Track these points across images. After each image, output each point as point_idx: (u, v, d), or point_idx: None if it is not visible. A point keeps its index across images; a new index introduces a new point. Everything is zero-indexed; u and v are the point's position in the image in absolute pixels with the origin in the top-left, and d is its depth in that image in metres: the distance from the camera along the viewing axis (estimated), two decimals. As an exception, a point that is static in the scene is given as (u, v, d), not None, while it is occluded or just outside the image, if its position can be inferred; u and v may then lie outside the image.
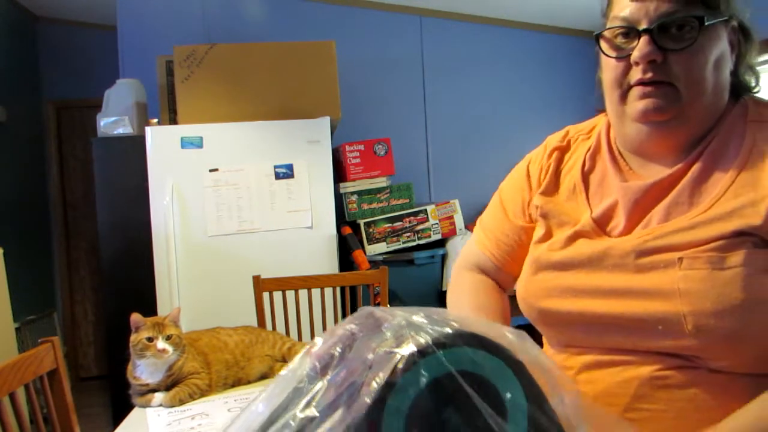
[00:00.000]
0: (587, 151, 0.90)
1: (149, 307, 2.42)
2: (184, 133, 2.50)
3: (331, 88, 2.67)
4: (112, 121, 2.70)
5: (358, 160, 2.90)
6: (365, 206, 2.90)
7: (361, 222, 2.84)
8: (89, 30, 4.27)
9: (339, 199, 2.81)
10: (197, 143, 2.51)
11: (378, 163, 2.94)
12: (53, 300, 4.32)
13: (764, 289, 0.68)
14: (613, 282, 0.77)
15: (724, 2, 0.76)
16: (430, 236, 2.92)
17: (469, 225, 3.16)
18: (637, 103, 0.77)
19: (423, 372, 0.55)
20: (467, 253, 1.06)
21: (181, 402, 1.34)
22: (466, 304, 0.98)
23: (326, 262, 2.55)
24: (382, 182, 2.95)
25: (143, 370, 1.36)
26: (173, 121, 2.72)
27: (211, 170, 2.51)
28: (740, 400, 0.68)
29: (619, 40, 0.78)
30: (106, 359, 4.04)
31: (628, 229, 0.80)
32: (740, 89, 0.81)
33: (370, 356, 0.57)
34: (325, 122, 2.59)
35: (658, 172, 0.80)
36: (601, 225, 0.83)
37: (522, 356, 0.59)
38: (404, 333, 0.57)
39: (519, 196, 0.97)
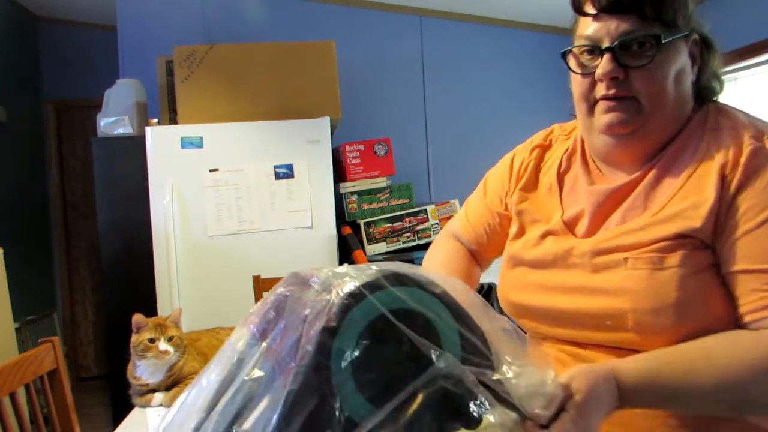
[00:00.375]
0: (564, 152, 0.96)
1: (149, 307, 2.42)
2: (184, 133, 2.50)
3: (331, 88, 2.67)
4: (112, 121, 2.70)
5: (358, 160, 2.90)
6: (365, 206, 2.90)
7: (361, 222, 2.84)
8: (89, 30, 4.27)
9: (339, 199, 2.81)
10: (197, 143, 2.50)
11: (378, 163, 2.94)
12: (53, 300, 4.31)
13: (697, 289, 0.73)
14: (574, 280, 0.83)
15: (681, 19, 0.79)
16: (430, 236, 2.92)
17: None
18: (602, 117, 0.82)
19: (357, 314, 0.58)
20: (452, 225, 1.14)
21: (181, 402, 1.34)
22: (437, 262, 1.06)
23: (326, 262, 2.55)
24: (382, 182, 2.95)
25: (143, 371, 1.36)
26: (173, 121, 2.72)
27: (211, 170, 2.51)
28: None
29: (585, 57, 0.83)
30: (106, 359, 4.04)
31: (591, 231, 0.85)
32: (705, 96, 0.85)
33: (306, 311, 0.59)
34: (325, 122, 2.59)
35: (621, 177, 0.85)
36: (570, 225, 0.88)
37: (446, 287, 0.64)
38: (332, 282, 0.60)
39: (500, 184, 1.03)
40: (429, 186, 3.53)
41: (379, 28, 3.49)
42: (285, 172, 2.56)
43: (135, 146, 2.57)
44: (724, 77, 0.87)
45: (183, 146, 2.50)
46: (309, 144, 2.57)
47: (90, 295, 4.44)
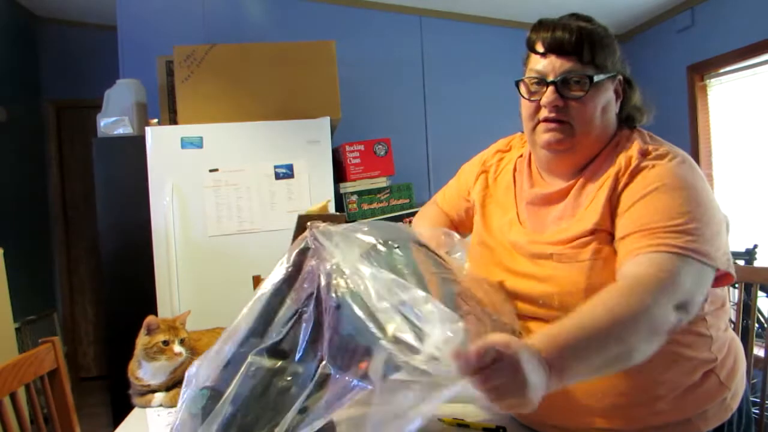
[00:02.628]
0: (519, 156, 1.19)
1: (149, 307, 2.42)
2: (184, 133, 2.50)
3: (331, 88, 2.67)
4: (112, 121, 2.70)
5: (358, 160, 2.90)
6: (365, 206, 2.90)
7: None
8: (89, 30, 4.27)
9: (339, 199, 2.81)
10: (197, 143, 2.51)
11: (378, 163, 2.94)
12: (53, 300, 4.32)
13: (605, 274, 0.93)
14: (520, 266, 1.05)
15: (610, 64, 1.01)
16: (430, 236, 2.92)
17: (469, 225, 3.16)
18: (543, 135, 1.03)
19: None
20: (436, 197, 1.42)
21: (182, 402, 1.34)
22: (424, 222, 1.36)
23: (326, 262, 2.54)
24: (382, 182, 2.95)
25: (148, 371, 1.36)
26: (173, 121, 2.72)
27: (211, 170, 2.51)
28: None
29: (533, 86, 1.04)
30: (106, 359, 4.04)
31: (533, 226, 1.08)
32: (628, 124, 1.07)
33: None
34: (325, 122, 2.59)
35: (557, 184, 1.07)
36: (520, 219, 1.11)
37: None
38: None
39: (470, 179, 1.27)
40: (429, 186, 3.53)
41: (379, 28, 3.49)
42: (285, 172, 2.56)
43: (135, 146, 2.57)
44: (645, 108, 1.08)
45: (183, 146, 2.50)
46: (309, 144, 2.57)
47: (90, 295, 4.44)
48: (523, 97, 1.06)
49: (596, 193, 0.99)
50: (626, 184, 0.96)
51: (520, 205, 1.12)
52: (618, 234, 0.94)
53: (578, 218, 1.00)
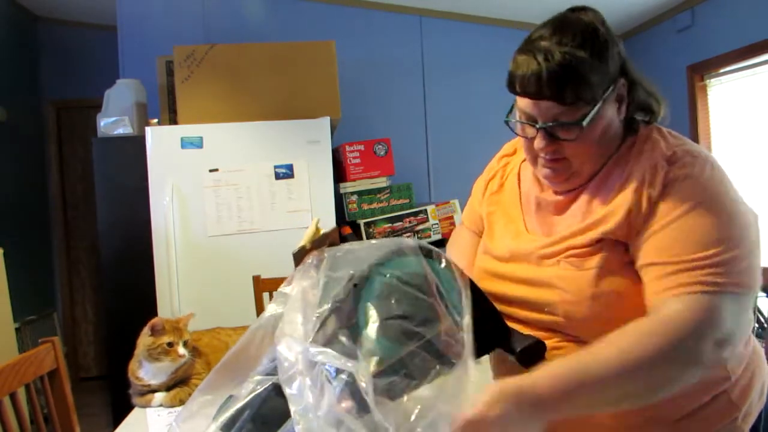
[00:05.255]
0: (523, 160, 1.12)
1: (149, 307, 2.42)
2: (184, 133, 2.50)
3: (331, 88, 2.67)
4: (112, 122, 2.70)
5: (358, 160, 2.90)
6: (365, 206, 2.90)
7: (361, 222, 2.84)
8: (89, 30, 4.27)
9: (339, 199, 2.81)
10: (197, 143, 2.51)
11: (378, 163, 2.94)
12: (53, 300, 4.31)
13: (611, 284, 0.89)
14: (525, 273, 1.00)
15: (598, 87, 0.90)
16: (430, 236, 2.92)
17: (469, 225, 3.15)
18: (542, 169, 0.99)
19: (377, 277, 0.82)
20: (463, 213, 1.34)
21: (181, 402, 1.34)
22: (456, 251, 1.26)
23: (326, 262, 2.54)
24: (382, 182, 2.95)
25: (149, 371, 1.36)
26: (173, 121, 2.72)
27: (211, 170, 2.51)
28: None
29: (524, 126, 0.96)
30: (106, 359, 4.04)
31: (540, 231, 1.03)
32: (636, 123, 0.98)
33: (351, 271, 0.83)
34: (325, 122, 2.59)
35: (557, 190, 1.02)
36: (527, 226, 1.06)
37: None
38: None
39: (479, 191, 1.21)
40: (429, 186, 3.53)
41: (379, 28, 3.49)
42: (285, 172, 2.56)
43: (135, 146, 2.57)
44: (654, 101, 1.00)
45: (183, 146, 2.50)
46: (309, 144, 2.57)
47: (90, 295, 4.44)
48: (517, 134, 1.00)
49: (613, 200, 0.92)
50: (661, 195, 0.88)
51: (525, 211, 1.07)
52: (645, 256, 0.87)
53: (587, 225, 0.94)
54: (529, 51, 0.90)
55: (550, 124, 0.91)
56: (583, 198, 0.98)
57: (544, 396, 0.74)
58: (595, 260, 0.91)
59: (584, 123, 0.89)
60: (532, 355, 0.89)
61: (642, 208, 0.88)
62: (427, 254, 0.85)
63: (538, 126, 0.92)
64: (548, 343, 0.93)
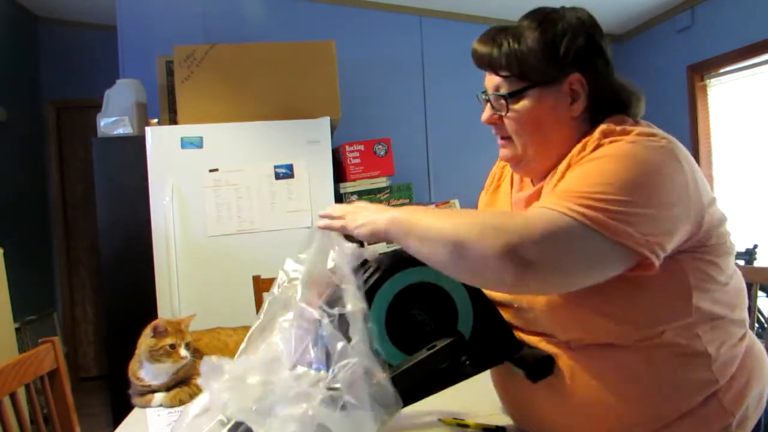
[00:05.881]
0: None
1: (149, 307, 2.42)
2: (184, 133, 2.50)
3: (331, 88, 2.67)
4: (112, 121, 2.70)
5: (358, 160, 2.90)
6: (365, 206, 2.90)
7: (361, 222, 2.83)
8: (89, 30, 4.27)
9: (339, 199, 2.81)
10: (197, 143, 2.51)
11: (378, 163, 2.94)
12: (53, 300, 4.32)
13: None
14: None
15: (535, 68, 0.91)
16: (430, 236, 2.92)
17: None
18: (500, 150, 1.02)
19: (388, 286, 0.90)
20: None
21: (182, 402, 1.34)
22: None
23: (326, 262, 2.54)
24: (382, 182, 2.95)
25: (149, 372, 1.35)
26: (173, 121, 2.72)
27: (211, 170, 2.51)
28: (591, 364, 0.88)
29: (483, 101, 1.01)
30: (106, 359, 4.03)
31: None
32: (618, 113, 0.94)
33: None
34: (325, 122, 2.59)
35: (532, 186, 1.03)
36: None
37: None
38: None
39: (480, 202, 1.25)
40: (429, 186, 3.53)
41: (379, 28, 3.49)
42: (285, 172, 2.56)
43: (135, 146, 2.57)
44: (625, 95, 0.96)
45: (183, 146, 2.50)
46: (309, 144, 2.57)
47: (90, 295, 4.44)
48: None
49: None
50: (578, 163, 0.87)
51: (514, 210, 1.08)
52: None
53: None
54: (486, 32, 0.98)
55: (490, 93, 0.97)
56: (544, 191, 0.98)
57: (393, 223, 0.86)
58: None
59: (507, 93, 0.93)
60: (541, 369, 0.89)
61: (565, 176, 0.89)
62: None
63: (484, 97, 0.99)
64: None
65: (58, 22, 4.29)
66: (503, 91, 0.94)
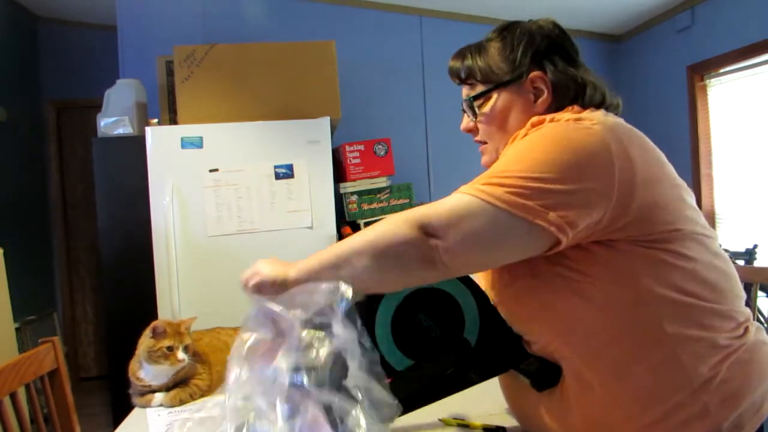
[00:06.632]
0: None
1: (149, 307, 2.42)
2: (184, 133, 2.50)
3: (331, 88, 2.67)
4: (112, 121, 2.70)
5: (358, 160, 2.90)
6: (365, 206, 2.90)
7: (362, 222, 2.84)
8: (89, 30, 4.27)
9: (339, 199, 2.81)
10: (197, 143, 2.51)
11: (378, 163, 2.94)
12: (53, 300, 4.32)
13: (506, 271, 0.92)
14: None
15: (495, 69, 0.99)
16: (430, 236, 2.92)
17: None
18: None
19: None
20: None
21: (182, 402, 1.34)
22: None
23: (326, 262, 2.54)
24: (382, 182, 2.95)
25: (149, 372, 1.35)
26: (173, 121, 2.72)
27: (211, 170, 2.51)
28: (593, 376, 0.86)
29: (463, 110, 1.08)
30: (106, 359, 4.04)
31: None
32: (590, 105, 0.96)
33: None
34: (325, 122, 2.59)
35: None
36: None
37: None
38: None
39: None
40: (429, 186, 3.53)
41: (379, 28, 3.49)
42: (285, 172, 2.56)
43: (135, 146, 2.57)
44: (582, 87, 0.97)
45: (183, 146, 2.50)
46: (309, 144, 2.57)
47: (90, 295, 4.44)
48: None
49: None
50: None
51: None
52: None
53: None
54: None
55: (463, 101, 1.05)
56: None
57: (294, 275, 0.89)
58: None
59: (472, 97, 1.01)
60: (547, 379, 0.89)
61: None
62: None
63: (462, 108, 1.07)
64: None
65: (58, 22, 4.29)
66: (469, 97, 1.03)
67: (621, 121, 0.91)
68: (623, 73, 3.71)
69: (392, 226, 0.81)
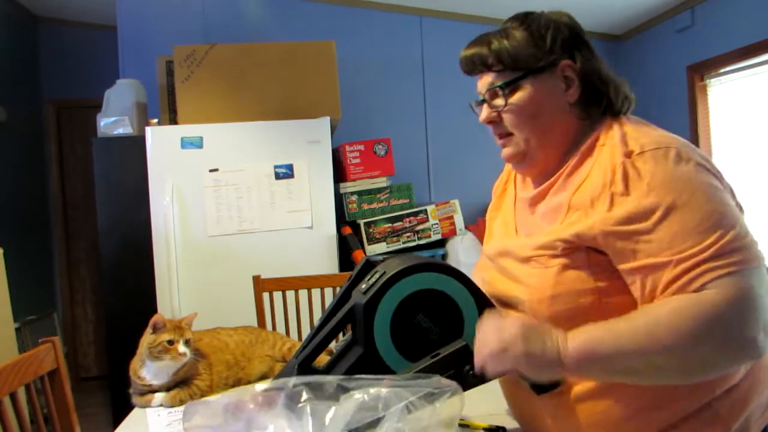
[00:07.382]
0: None
1: (149, 308, 2.42)
2: (184, 133, 2.50)
3: (331, 88, 2.67)
4: (112, 122, 2.70)
5: (358, 160, 2.90)
6: (365, 206, 2.90)
7: (361, 222, 2.84)
8: (89, 30, 4.27)
9: (339, 199, 2.81)
10: (197, 143, 2.51)
11: (378, 163, 2.94)
12: (53, 300, 4.31)
13: (569, 284, 0.88)
14: (512, 269, 0.99)
15: (526, 56, 0.94)
16: (430, 236, 2.93)
17: (469, 225, 3.15)
18: (502, 151, 1.02)
19: (394, 291, 0.90)
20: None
21: (182, 402, 1.34)
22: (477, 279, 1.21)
23: (326, 262, 2.55)
24: (382, 182, 2.95)
25: (151, 371, 1.35)
26: (173, 121, 2.72)
27: (211, 170, 2.51)
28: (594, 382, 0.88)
29: (477, 108, 1.03)
30: (106, 359, 4.04)
31: (522, 230, 1.05)
32: (612, 110, 0.96)
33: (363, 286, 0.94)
34: (325, 122, 2.59)
35: (533, 189, 1.02)
36: (516, 225, 1.07)
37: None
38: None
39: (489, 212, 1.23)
40: (429, 186, 3.53)
41: (379, 28, 3.49)
42: (285, 172, 2.56)
43: (135, 146, 2.57)
44: (613, 87, 0.98)
45: (183, 146, 2.50)
46: (309, 144, 2.57)
47: (90, 295, 4.44)
48: (478, 118, 1.05)
49: (578, 200, 0.90)
50: (626, 191, 0.85)
51: (517, 211, 1.08)
52: (640, 258, 0.83)
53: (555, 226, 0.93)
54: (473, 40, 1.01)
55: (487, 90, 0.97)
56: (551, 196, 0.97)
57: (571, 350, 0.80)
58: (559, 259, 0.90)
59: (504, 83, 0.95)
60: (547, 383, 0.89)
61: (608, 208, 0.85)
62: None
63: (481, 99, 1.00)
64: None
65: (58, 22, 4.29)
66: (499, 84, 0.96)
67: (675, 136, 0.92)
68: (623, 73, 3.69)
69: (725, 351, 0.77)
